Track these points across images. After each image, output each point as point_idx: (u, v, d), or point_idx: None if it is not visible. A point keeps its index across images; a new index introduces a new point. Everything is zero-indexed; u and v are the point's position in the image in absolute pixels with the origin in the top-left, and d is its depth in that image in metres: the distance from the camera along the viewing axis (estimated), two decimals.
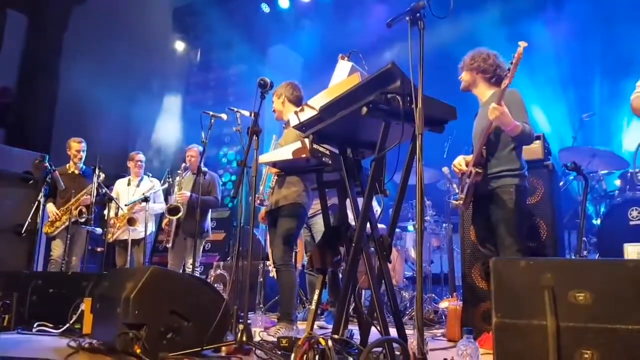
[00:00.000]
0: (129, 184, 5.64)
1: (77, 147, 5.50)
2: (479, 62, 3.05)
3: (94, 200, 5.12)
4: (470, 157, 3.11)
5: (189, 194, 5.02)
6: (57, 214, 5.28)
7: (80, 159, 5.49)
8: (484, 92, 3.10)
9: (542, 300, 1.53)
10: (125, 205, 5.38)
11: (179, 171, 5.38)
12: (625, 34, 5.73)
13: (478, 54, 3.08)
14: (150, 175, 5.78)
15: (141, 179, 5.70)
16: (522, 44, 2.63)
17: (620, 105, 5.68)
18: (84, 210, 5.22)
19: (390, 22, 2.13)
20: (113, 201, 5.33)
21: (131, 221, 5.21)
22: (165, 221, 5.24)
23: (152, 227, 5.53)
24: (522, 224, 2.97)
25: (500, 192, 2.93)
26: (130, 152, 6.04)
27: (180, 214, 5.03)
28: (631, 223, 4.18)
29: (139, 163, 5.69)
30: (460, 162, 3.16)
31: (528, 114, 2.95)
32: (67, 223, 5.16)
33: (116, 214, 5.44)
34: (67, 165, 5.52)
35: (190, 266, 4.84)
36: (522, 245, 2.90)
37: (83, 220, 5.17)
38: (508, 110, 2.77)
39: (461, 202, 3.08)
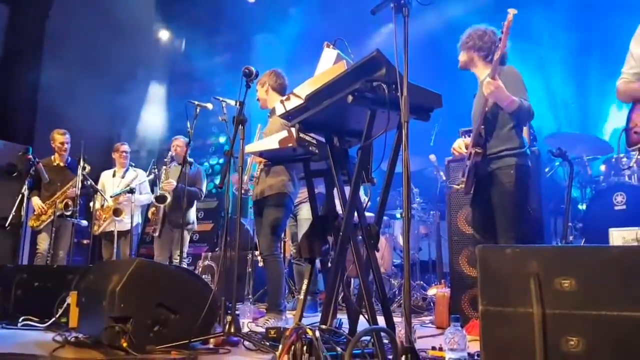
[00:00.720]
0: (114, 176, 5.60)
1: (61, 139, 5.42)
2: (474, 40, 2.94)
3: (79, 193, 5.05)
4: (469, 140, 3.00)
5: (175, 182, 5.00)
6: (43, 208, 5.21)
7: (65, 150, 5.42)
8: (482, 70, 2.98)
9: (528, 288, 1.53)
10: (111, 196, 5.32)
11: (165, 160, 5.33)
12: (610, 20, 5.75)
13: (474, 31, 2.96)
14: (134, 165, 5.73)
15: (126, 170, 5.64)
16: (512, 11, 2.51)
17: (606, 91, 5.72)
18: (69, 203, 5.16)
19: (374, 10, 2.11)
20: (98, 193, 5.28)
21: (117, 212, 5.16)
22: (151, 211, 5.20)
23: (137, 219, 5.48)
24: (523, 207, 2.84)
25: (499, 174, 2.82)
26: (116, 143, 5.97)
27: (167, 202, 5.00)
28: (616, 208, 4.22)
29: (124, 154, 5.64)
30: (460, 144, 3.06)
31: (527, 90, 2.82)
32: (52, 216, 5.10)
33: (102, 206, 5.38)
34: (52, 157, 5.44)
35: (178, 257, 4.82)
36: (519, 230, 2.77)
37: (69, 213, 5.11)
38: (505, 87, 2.67)
39: (462, 185, 2.96)
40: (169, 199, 5.00)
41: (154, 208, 5.14)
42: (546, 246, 2.54)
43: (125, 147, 5.70)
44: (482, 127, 2.83)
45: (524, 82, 2.84)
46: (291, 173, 3.60)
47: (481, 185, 2.93)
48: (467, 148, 2.98)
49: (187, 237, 5.33)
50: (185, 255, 5.25)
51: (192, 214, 5.37)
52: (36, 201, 5.25)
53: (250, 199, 4.00)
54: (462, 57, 3.02)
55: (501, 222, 2.80)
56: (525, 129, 3.21)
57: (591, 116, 6.02)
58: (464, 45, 3.00)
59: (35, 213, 5.25)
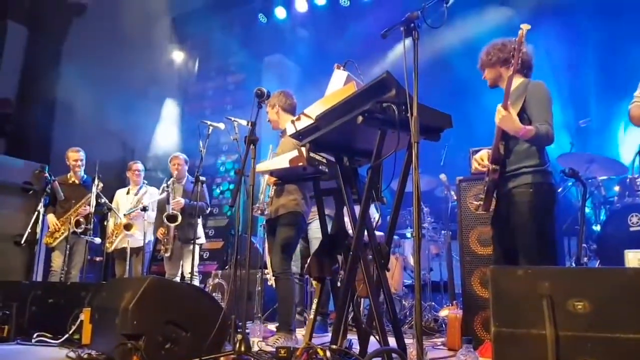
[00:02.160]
0: (127, 193, 5.67)
1: (75, 156, 5.50)
2: (496, 55, 2.81)
3: (93, 211, 5.11)
4: None
5: (183, 201, 5.08)
6: (57, 225, 5.28)
7: (79, 167, 5.49)
8: (509, 81, 2.70)
9: (541, 309, 1.52)
10: (124, 214, 5.38)
11: (172, 180, 5.40)
12: (623, 41, 5.76)
13: (492, 46, 2.84)
14: (146, 182, 5.79)
15: (140, 188, 5.70)
16: (525, 27, 2.43)
17: (617, 111, 5.70)
18: (82, 220, 5.21)
19: (384, 33, 2.14)
20: (112, 211, 5.33)
21: (127, 227, 5.21)
22: (160, 231, 5.23)
23: (150, 236, 5.53)
24: (544, 229, 2.65)
25: (517, 193, 2.68)
26: (129, 161, 6.05)
27: (178, 222, 5.05)
28: (631, 229, 4.16)
29: (137, 172, 5.71)
30: (483, 156, 2.88)
31: (551, 112, 2.67)
32: (66, 233, 5.16)
33: (115, 224, 5.44)
34: (68, 175, 5.53)
35: (189, 274, 4.84)
36: (541, 255, 2.59)
37: (81, 230, 5.16)
38: (528, 105, 2.60)
39: (481, 203, 2.84)
40: (179, 219, 5.05)
41: (162, 228, 5.17)
42: (558, 267, 2.49)
43: (138, 166, 5.78)
44: (502, 143, 2.72)
45: (550, 101, 2.70)
46: (304, 192, 3.62)
47: (500, 203, 2.82)
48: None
49: (196, 251, 5.34)
50: (196, 269, 5.29)
51: (200, 228, 5.41)
52: (51, 218, 5.33)
53: (261, 218, 4.02)
54: (489, 75, 2.89)
55: (520, 243, 2.68)
56: None
57: (603, 136, 5.99)
58: (487, 63, 2.87)
59: (49, 230, 5.31)
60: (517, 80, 2.77)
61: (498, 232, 2.87)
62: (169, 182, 5.34)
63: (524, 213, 2.66)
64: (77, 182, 5.50)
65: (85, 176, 5.55)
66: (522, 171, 2.70)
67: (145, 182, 5.83)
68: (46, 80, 8.19)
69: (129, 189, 5.70)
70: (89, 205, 5.12)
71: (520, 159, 2.72)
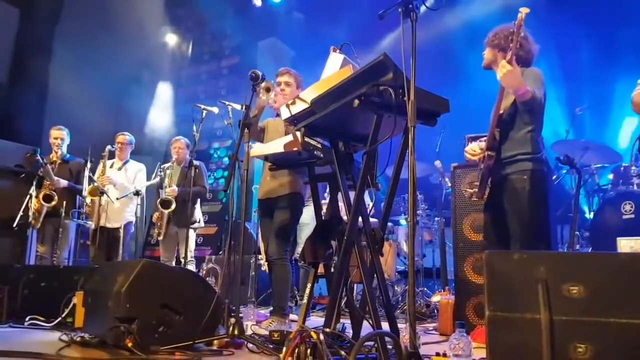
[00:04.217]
0: (111, 167, 5.47)
1: (54, 134, 5.36)
2: (500, 40, 2.78)
3: (85, 194, 5.06)
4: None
5: (177, 188, 5.06)
6: (36, 207, 5.13)
7: (58, 146, 5.33)
8: None
9: (536, 294, 1.52)
10: (117, 199, 5.30)
11: (171, 164, 5.34)
12: (618, 26, 5.74)
13: (501, 30, 2.80)
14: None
15: (126, 162, 5.55)
16: (524, 10, 2.40)
17: (613, 98, 5.70)
18: (52, 194, 5.02)
19: (382, 14, 2.11)
20: (105, 194, 5.25)
21: (47, 198, 5.03)
22: (155, 215, 5.20)
23: (132, 217, 5.45)
24: (538, 216, 2.68)
25: (513, 179, 2.69)
26: None
27: (172, 208, 5.02)
28: (624, 217, 4.19)
29: (120, 145, 5.50)
30: (474, 147, 2.92)
31: (544, 89, 2.70)
32: (43, 211, 5.04)
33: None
34: (50, 155, 5.41)
35: (183, 259, 4.82)
36: (535, 241, 2.61)
37: (51, 205, 5.01)
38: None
39: (475, 189, 2.86)
40: (173, 205, 5.02)
41: (158, 212, 5.14)
42: (554, 252, 2.51)
43: (121, 138, 5.56)
44: (497, 129, 2.73)
45: (543, 81, 2.72)
46: (300, 176, 3.55)
47: (495, 190, 2.83)
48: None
49: (192, 236, 5.31)
50: (193, 254, 5.28)
51: (198, 212, 5.37)
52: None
53: (255, 202, 3.95)
54: (487, 55, 2.88)
55: (514, 229, 2.69)
56: None
57: (599, 123, 6.00)
58: (490, 43, 2.85)
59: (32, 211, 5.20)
60: None
61: (491, 218, 2.87)
62: (162, 167, 5.29)
63: (519, 199, 2.66)
64: (58, 160, 5.37)
65: (68, 155, 5.43)
66: (518, 158, 2.71)
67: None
68: (37, 62, 8.09)
69: (112, 163, 5.52)
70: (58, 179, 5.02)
71: (516, 146, 2.73)
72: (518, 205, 2.67)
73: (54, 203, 5.03)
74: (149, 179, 5.57)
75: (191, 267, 5.09)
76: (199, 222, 5.34)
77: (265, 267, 4.94)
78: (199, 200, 5.39)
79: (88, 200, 5.17)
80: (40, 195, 5.03)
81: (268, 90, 3.13)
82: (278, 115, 3.68)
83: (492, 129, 2.73)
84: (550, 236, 2.88)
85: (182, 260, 4.82)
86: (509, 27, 2.75)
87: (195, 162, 4.73)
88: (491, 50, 2.86)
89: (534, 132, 2.75)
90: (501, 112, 2.76)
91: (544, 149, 2.79)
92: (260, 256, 5.18)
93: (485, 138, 2.87)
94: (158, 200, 5.12)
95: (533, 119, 2.73)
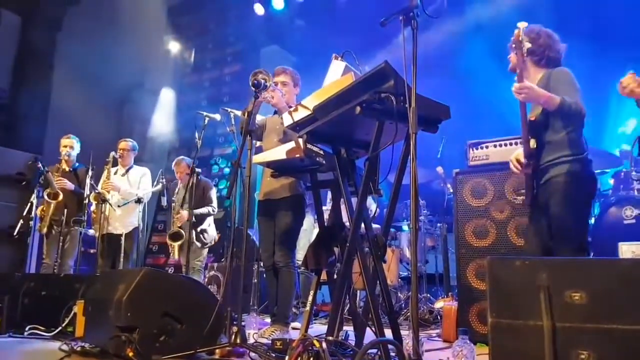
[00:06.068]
0: (115, 173, 5.46)
1: (63, 142, 5.37)
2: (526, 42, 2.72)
3: (86, 202, 5.06)
4: None
5: (185, 213, 5.02)
6: (43, 209, 5.12)
7: (68, 155, 5.34)
8: (532, 74, 2.77)
9: (538, 301, 1.51)
10: (119, 206, 5.31)
11: (176, 188, 5.34)
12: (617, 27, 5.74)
13: (528, 32, 2.71)
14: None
15: (129, 168, 5.54)
16: (521, 25, 2.42)
17: (609, 104, 5.69)
18: (58, 192, 5.03)
19: (383, 21, 2.11)
20: (107, 201, 5.25)
21: (53, 195, 5.06)
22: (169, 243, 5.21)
23: (136, 222, 5.43)
24: (580, 218, 2.62)
25: (553, 183, 2.62)
26: None
27: (182, 240, 5.05)
28: (625, 222, 4.16)
29: (122, 152, 5.48)
30: (518, 155, 2.81)
31: (579, 92, 2.62)
32: (49, 213, 5.04)
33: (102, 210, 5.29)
34: (60, 163, 5.42)
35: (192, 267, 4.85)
36: (579, 243, 2.56)
37: (56, 201, 5.01)
38: (555, 92, 2.53)
39: (523, 197, 2.79)
40: (184, 237, 4.99)
41: (170, 247, 5.16)
42: (556, 258, 2.49)
43: (123, 145, 5.54)
44: (529, 136, 2.68)
45: (575, 81, 2.65)
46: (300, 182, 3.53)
47: (539, 195, 2.75)
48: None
49: (204, 251, 5.41)
50: (203, 264, 5.38)
51: (212, 230, 5.42)
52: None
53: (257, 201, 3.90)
54: (513, 58, 2.77)
55: (558, 235, 2.61)
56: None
57: (596, 129, 5.98)
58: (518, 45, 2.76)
59: (39, 216, 5.21)
60: (538, 74, 2.75)
61: (535, 223, 2.78)
62: (176, 188, 5.32)
63: (561, 202, 2.59)
64: (67, 169, 5.38)
65: (77, 164, 5.45)
66: (561, 160, 2.63)
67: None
68: (40, 69, 8.13)
69: (117, 170, 5.50)
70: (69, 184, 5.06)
71: (557, 149, 2.66)
72: (558, 209, 2.60)
73: (60, 199, 5.03)
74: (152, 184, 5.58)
75: (198, 276, 5.10)
76: (212, 238, 5.41)
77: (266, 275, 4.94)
78: (211, 218, 5.43)
79: (94, 206, 5.18)
80: (45, 193, 5.04)
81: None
82: (276, 112, 3.68)
83: (525, 136, 2.68)
84: (587, 241, 2.82)
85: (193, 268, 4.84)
86: (533, 29, 2.73)
87: (205, 180, 4.72)
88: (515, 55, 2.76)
89: (573, 133, 2.67)
90: (533, 118, 2.72)
91: (587, 149, 2.70)
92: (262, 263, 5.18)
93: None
94: (167, 236, 5.15)
95: (569, 121, 2.65)
